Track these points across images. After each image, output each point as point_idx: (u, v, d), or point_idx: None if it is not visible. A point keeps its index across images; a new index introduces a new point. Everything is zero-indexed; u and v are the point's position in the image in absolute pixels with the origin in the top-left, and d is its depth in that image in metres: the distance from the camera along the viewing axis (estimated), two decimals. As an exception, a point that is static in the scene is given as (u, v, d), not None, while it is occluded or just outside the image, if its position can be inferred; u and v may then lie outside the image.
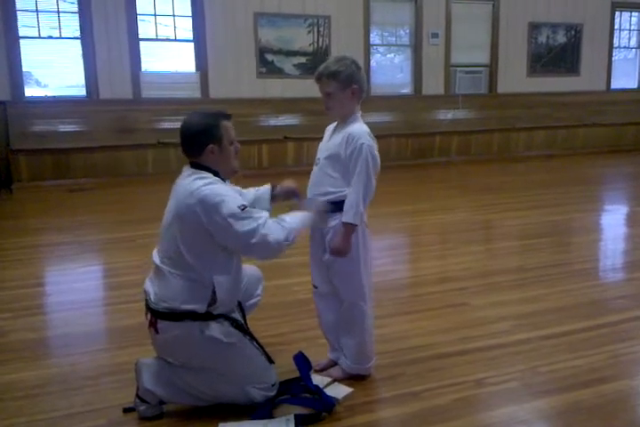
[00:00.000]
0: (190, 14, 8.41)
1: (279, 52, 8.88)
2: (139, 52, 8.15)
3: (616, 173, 8.96)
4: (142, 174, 7.76)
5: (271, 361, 2.34)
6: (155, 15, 8.27)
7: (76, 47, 7.89)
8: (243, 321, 2.37)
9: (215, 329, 2.18)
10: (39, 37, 7.74)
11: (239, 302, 2.42)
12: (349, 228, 2.32)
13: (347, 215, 2.31)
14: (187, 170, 2.28)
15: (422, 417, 2.25)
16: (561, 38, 10.81)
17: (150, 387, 2.23)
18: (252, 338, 2.32)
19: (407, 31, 9.87)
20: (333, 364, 2.60)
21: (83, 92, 7.99)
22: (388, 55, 9.99)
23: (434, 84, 9.98)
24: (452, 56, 10.04)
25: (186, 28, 8.47)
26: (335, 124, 2.50)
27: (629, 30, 11.56)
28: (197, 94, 8.52)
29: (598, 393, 2.39)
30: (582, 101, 10.78)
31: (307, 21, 8.98)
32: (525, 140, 10.26)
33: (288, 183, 2.55)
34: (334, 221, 2.36)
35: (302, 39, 8.98)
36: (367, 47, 9.46)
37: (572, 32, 10.85)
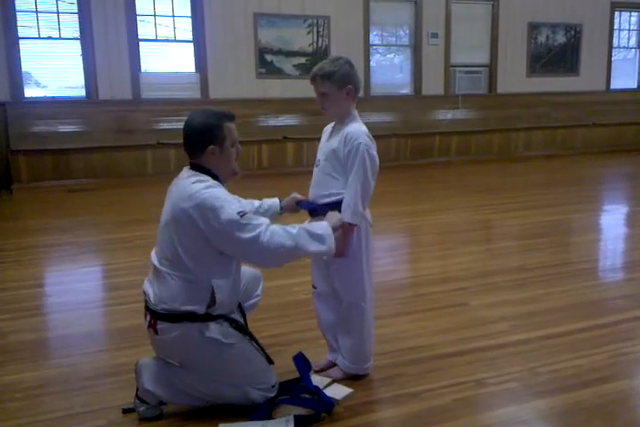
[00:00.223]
0: (190, 15, 8.41)
1: (279, 52, 8.88)
2: (138, 53, 8.15)
3: (616, 173, 8.96)
4: (142, 175, 7.76)
5: (271, 362, 2.34)
6: (154, 16, 8.27)
7: (76, 48, 7.89)
8: (243, 322, 2.37)
9: (215, 330, 2.18)
10: (39, 38, 7.74)
11: (239, 302, 2.42)
12: (348, 227, 2.32)
13: (345, 215, 2.30)
14: (186, 171, 2.27)
15: (422, 418, 2.24)
16: (560, 38, 10.81)
17: (150, 388, 2.22)
18: (252, 339, 2.32)
19: (407, 31, 9.87)
20: (332, 365, 2.60)
21: (82, 92, 7.99)
22: (388, 55, 9.99)
23: (433, 85, 9.98)
24: (451, 56, 10.04)
25: (185, 28, 8.47)
26: (333, 124, 2.50)
27: (629, 30, 11.56)
28: (197, 95, 8.52)
29: (598, 393, 2.39)
30: (582, 101, 10.78)
31: (306, 22, 8.98)
32: (525, 140, 10.27)
33: (293, 196, 2.56)
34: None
35: (302, 39, 8.98)
36: (367, 47, 9.46)
37: (572, 32, 10.85)
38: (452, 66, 10.10)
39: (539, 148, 10.31)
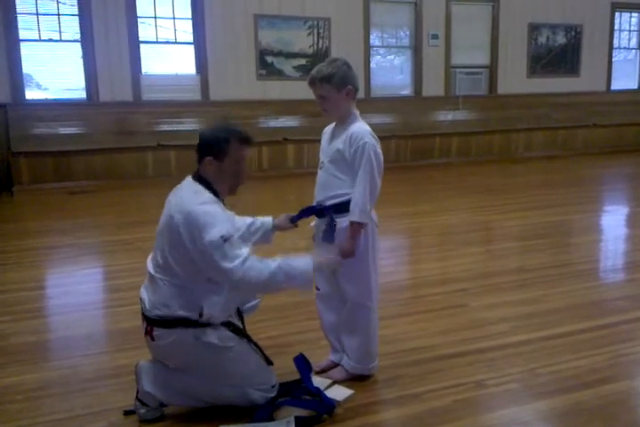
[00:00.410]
0: (190, 17, 8.42)
1: (279, 53, 8.89)
2: (139, 55, 8.16)
3: (616, 173, 8.95)
4: (142, 177, 7.76)
5: (270, 362, 2.34)
6: (155, 18, 8.28)
7: (77, 50, 7.90)
8: (241, 324, 2.38)
9: (211, 334, 2.17)
10: (39, 40, 7.75)
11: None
12: (357, 227, 2.33)
13: (353, 214, 2.32)
14: (187, 181, 2.28)
15: (423, 419, 2.24)
16: (561, 39, 10.82)
17: (150, 390, 2.23)
18: (250, 341, 2.32)
19: (407, 33, 9.88)
20: (334, 365, 2.60)
21: (83, 94, 7.99)
22: (388, 57, 10.00)
23: (434, 86, 9.98)
24: (451, 57, 10.05)
25: (186, 30, 8.48)
26: (333, 125, 2.50)
27: (629, 31, 11.56)
28: (198, 96, 8.52)
29: (599, 394, 2.39)
30: (582, 102, 10.78)
31: (306, 23, 8.98)
32: (525, 141, 10.27)
33: (286, 214, 2.57)
34: (345, 223, 2.36)
35: (302, 41, 8.99)
36: (367, 49, 9.47)
37: (572, 33, 10.85)
38: (453, 67, 10.11)
39: (539, 148, 10.31)
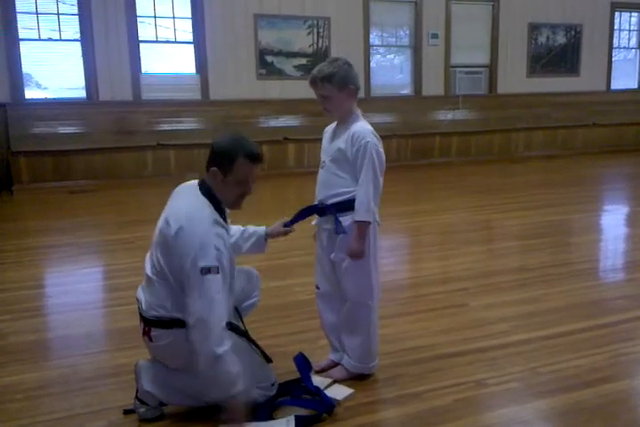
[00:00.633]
0: (190, 16, 8.41)
1: (279, 53, 8.89)
2: (139, 54, 8.15)
3: (616, 173, 8.96)
4: (142, 176, 7.76)
5: (269, 360, 2.34)
6: (154, 17, 8.27)
7: (76, 49, 7.90)
8: (240, 322, 2.37)
9: None
10: (39, 39, 7.75)
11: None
12: (363, 226, 2.33)
13: (358, 214, 2.32)
14: (194, 184, 2.24)
15: (423, 418, 2.24)
16: (561, 39, 10.81)
17: (150, 389, 2.23)
18: (249, 339, 2.32)
19: (407, 32, 9.88)
20: (334, 365, 2.60)
21: (83, 93, 7.99)
22: (388, 56, 10.00)
23: (434, 85, 9.98)
24: (451, 57, 10.04)
25: (186, 29, 8.47)
26: (334, 125, 2.50)
27: (629, 30, 11.56)
28: (197, 96, 8.52)
29: (599, 393, 2.39)
30: (582, 102, 10.78)
31: (306, 23, 8.98)
32: (525, 140, 10.26)
33: (279, 222, 2.54)
34: (347, 222, 2.37)
35: (302, 40, 8.99)
36: (367, 48, 9.46)
37: (572, 32, 10.85)
38: (453, 66, 10.10)
39: (539, 148, 10.31)
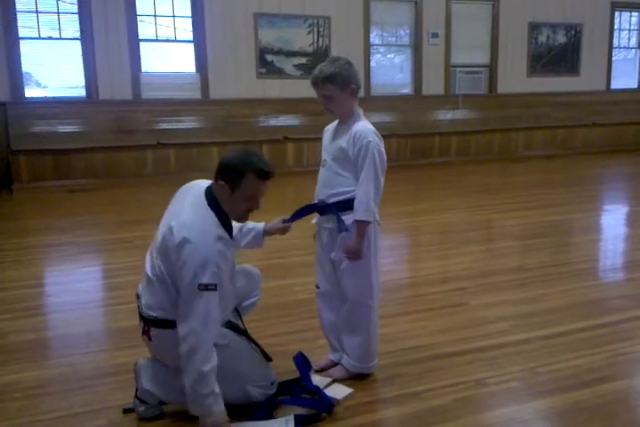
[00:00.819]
0: (190, 15, 8.41)
1: (279, 52, 8.88)
2: (139, 53, 8.15)
3: (616, 173, 8.96)
4: (142, 175, 7.75)
5: (269, 359, 2.34)
6: (154, 16, 8.27)
7: (76, 48, 7.89)
8: (239, 321, 2.37)
9: None
10: (39, 38, 7.74)
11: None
12: (362, 225, 2.33)
13: (358, 213, 2.33)
14: (200, 191, 2.19)
15: (422, 417, 2.25)
16: (561, 38, 10.81)
17: (149, 388, 2.23)
18: (249, 338, 2.33)
19: (407, 31, 9.87)
20: (333, 364, 2.60)
21: (83, 92, 7.99)
22: (388, 55, 9.99)
23: (434, 85, 9.98)
24: (451, 56, 10.04)
25: (186, 28, 8.47)
26: (335, 123, 2.50)
27: (629, 30, 11.56)
28: (197, 95, 8.51)
29: (598, 393, 2.39)
30: (582, 101, 10.78)
31: (306, 22, 8.98)
32: (525, 140, 10.26)
33: (278, 219, 2.53)
34: (350, 220, 2.37)
35: (302, 40, 8.98)
36: (367, 47, 9.46)
37: (572, 32, 10.85)
38: (453, 66, 10.10)
39: (539, 148, 10.31)
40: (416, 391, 2.42)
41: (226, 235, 2.14)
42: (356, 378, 2.51)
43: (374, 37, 9.61)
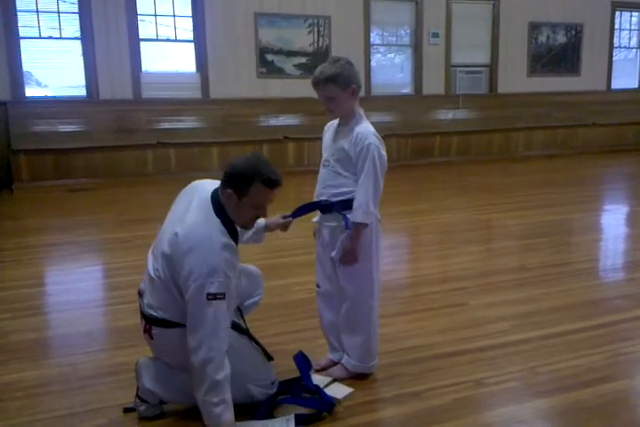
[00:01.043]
0: (190, 14, 8.41)
1: (279, 52, 8.88)
2: (139, 53, 8.15)
3: (616, 173, 8.96)
4: (142, 175, 7.75)
5: (270, 358, 2.35)
6: (155, 15, 8.27)
7: (77, 47, 7.90)
8: (241, 320, 2.38)
9: None
10: (39, 38, 7.74)
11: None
12: (360, 228, 2.34)
13: (356, 215, 2.32)
14: (206, 196, 2.16)
15: (422, 417, 2.25)
16: (561, 38, 10.81)
17: (150, 387, 2.23)
18: (250, 338, 2.33)
19: (407, 31, 9.87)
20: (333, 364, 2.61)
21: (83, 92, 7.99)
22: (389, 55, 9.99)
23: (434, 84, 9.98)
24: (452, 56, 10.04)
25: (186, 28, 8.47)
26: (336, 123, 2.50)
27: (629, 30, 11.56)
28: (198, 95, 8.52)
29: (598, 393, 2.39)
30: (583, 101, 10.78)
31: (307, 21, 8.98)
32: (525, 140, 10.26)
33: (277, 216, 2.52)
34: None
35: (302, 39, 8.98)
36: (367, 47, 9.46)
37: (573, 32, 10.85)
38: (453, 66, 10.10)
39: (539, 147, 10.31)
40: (416, 391, 2.42)
41: (232, 242, 2.12)
42: (356, 378, 2.51)
43: (375, 37, 9.61)
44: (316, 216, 2.52)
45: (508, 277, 3.91)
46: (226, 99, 8.49)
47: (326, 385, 2.43)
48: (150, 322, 2.19)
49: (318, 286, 2.58)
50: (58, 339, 3.04)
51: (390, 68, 9.97)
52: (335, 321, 2.56)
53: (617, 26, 11.29)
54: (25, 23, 7.62)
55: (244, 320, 2.43)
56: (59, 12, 7.77)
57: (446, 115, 9.94)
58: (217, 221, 2.11)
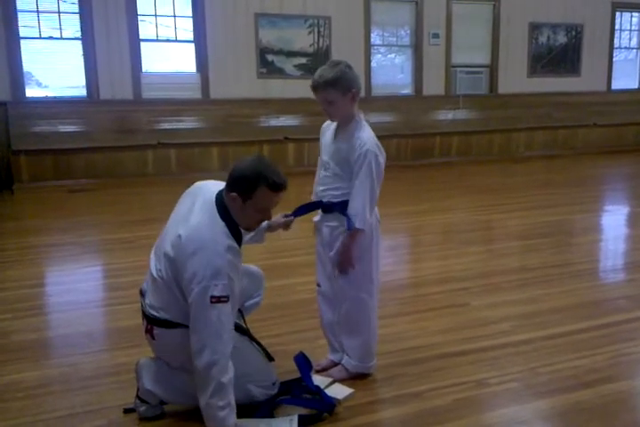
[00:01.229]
0: (191, 15, 8.41)
1: (280, 52, 8.88)
2: (139, 53, 8.15)
3: (617, 173, 8.96)
4: (142, 175, 7.75)
5: (271, 359, 2.34)
6: (155, 16, 8.27)
7: (77, 48, 7.89)
8: (241, 321, 2.37)
9: None
10: (40, 38, 7.74)
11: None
12: (355, 234, 2.34)
13: (353, 221, 2.31)
14: (211, 198, 2.15)
15: (423, 418, 2.25)
16: (561, 39, 10.81)
17: (150, 387, 2.23)
18: (252, 338, 2.32)
19: (408, 31, 9.87)
20: (334, 364, 2.60)
21: (83, 92, 7.99)
22: (389, 55, 9.99)
23: (434, 85, 9.98)
24: (452, 56, 10.04)
25: (186, 28, 8.47)
26: (334, 124, 2.49)
27: (630, 31, 11.56)
28: (198, 95, 8.52)
29: (599, 394, 2.39)
30: (583, 102, 10.78)
31: (307, 22, 8.98)
32: (526, 140, 10.26)
33: (278, 216, 2.50)
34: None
35: (303, 40, 8.98)
36: (368, 47, 9.46)
37: (573, 32, 10.85)
38: (453, 66, 10.10)
39: (540, 148, 10.31)
40: (417, 391, 2.42)
41: (235, 245, 2.11)
42: (357, 378, 2.51)
43: (375, 38, 9.61)
44: (316, 216, 2.52)
45: (510, 277, 3.91)
46: (226, 99, 8.49)
47: (327, 386, 2.42)
48: (152, 322, 2.19)
49: (319, 285, 2.58)
50: (58, 339, 3.04)
51: (391, 69, 9.96)
52: (335, 321, 2.56)
53: (617, 26, 11.29)
54: (25, 23, 7.62)
55: (244, 321, 2.43)
56: (59, 12, 7.77)
57: (446, 115, 9.94)
58: (221, 223, 2.10)
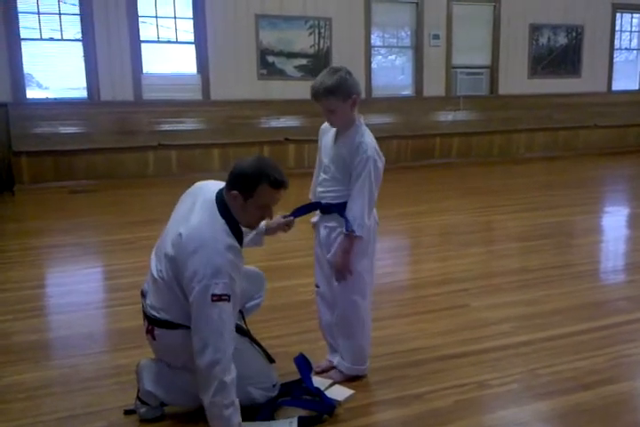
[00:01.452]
0: (191, 16, 8.41)
1: (280, 53, 8.88)
2: (140, 54, 8.15)
3: (617, 174, 8.96)
4: (143, 176, 7.75)
5: (272, 361, 2.34)
6: (156, 17, 8.27)
7: (78, 49, 7.89)
8: (242, 322, 2.37)
9: None
10: (41, 39, 7.74)
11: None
12: (352, 240, 2.34)
13: (351, 227, 2.31)
14: (211, 197, 2.15)
15: (424, 419, 2.24)
16: (562, 40, 10.81)
17: (151, 389, 2.23)
18: (252, 340, 2.32)
19: (408, 33, 9.87)
20: (333, 366, 2.60)
21: (84, 93, 7.99)
22: (389, 57, 9.99)
23: (435, 86, 9.98)
24: (452, 57, 10.04)
25: (187, 29, 8.47)
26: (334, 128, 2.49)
27: (630, 32, 11.56)
28: (198, 96, 8.52)
29: (600, 395, 2.39)
30: (583, 103, 10.77)
31: (307, 23, 8.98)
32: (526, 141, 10.26)
33: (277, 217, 2.50)
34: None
35: (303, 41, 8.98)
36: (368, 49, 9.46)
37: (573, 33, 10.85)
38: (454, 67, 10.10)
39: (540, 149, 10.31)
40: (418, 393, 2.42)
41: (236, 243, 2.11)
42: (357, 380, 2.51)
43: (375, 39, 9.61)
44: (315, 216, 2.52)
45: (510, 278, 3.91)
46: (227, 100, 8.49)
47: (327, 387, 2.42)
48: (153, 323, 2.19)
49: (317, 286, 2.59)
50: (59, 340, 3.04)
51: (391, 70, 9.96)
52: (333, 322, 2.56)
53: (617, 27, 11.28)
54: (26, 24, 7.62)
55: (245, 322, 2.43)
56: (60, 14, 7.77)
57: (447, 116, 9.94)
58: (221, 221, 2.10)
